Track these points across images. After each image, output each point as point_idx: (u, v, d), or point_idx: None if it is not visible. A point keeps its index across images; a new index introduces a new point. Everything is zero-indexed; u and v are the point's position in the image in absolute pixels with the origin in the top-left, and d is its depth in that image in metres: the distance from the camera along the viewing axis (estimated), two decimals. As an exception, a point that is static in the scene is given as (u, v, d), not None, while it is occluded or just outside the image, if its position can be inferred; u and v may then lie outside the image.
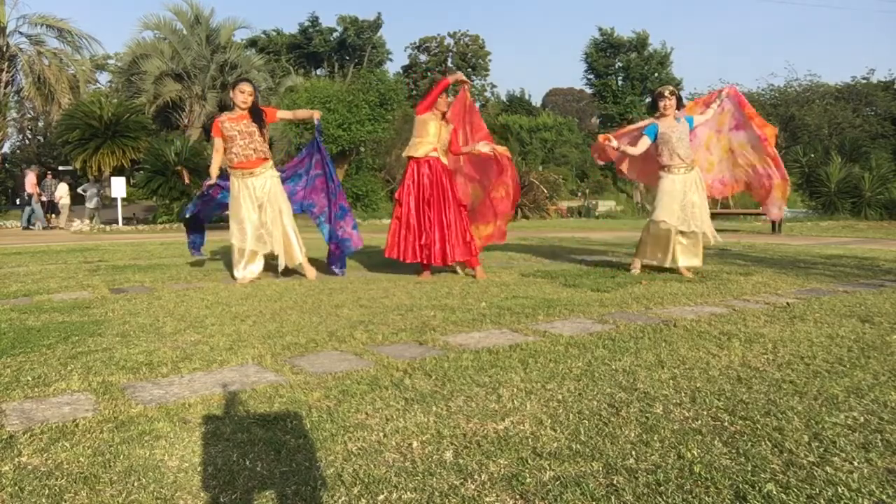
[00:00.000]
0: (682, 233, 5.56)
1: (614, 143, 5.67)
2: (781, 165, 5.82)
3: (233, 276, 5.50)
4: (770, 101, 39.47)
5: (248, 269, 5.44)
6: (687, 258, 5.62)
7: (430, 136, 5.57)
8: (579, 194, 26.86)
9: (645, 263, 5.83)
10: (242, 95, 5.42)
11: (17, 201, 22.03)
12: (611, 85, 41.77)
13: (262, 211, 5.42)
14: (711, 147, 6.05)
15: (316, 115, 5.80)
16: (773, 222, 12.70)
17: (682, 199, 5.53)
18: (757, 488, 1.61)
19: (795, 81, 39.67)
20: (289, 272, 5.71)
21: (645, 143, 5.64)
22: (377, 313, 3.93)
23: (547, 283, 5.17)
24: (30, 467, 1.77)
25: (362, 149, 22.62)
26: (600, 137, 5.81)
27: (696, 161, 5.70)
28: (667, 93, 5.65)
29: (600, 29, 41.92)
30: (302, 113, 6.11)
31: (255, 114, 5.46)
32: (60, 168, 27.82)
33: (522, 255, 7.58)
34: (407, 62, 51.23)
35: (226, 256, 7.64)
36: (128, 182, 21.08)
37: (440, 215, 5.51)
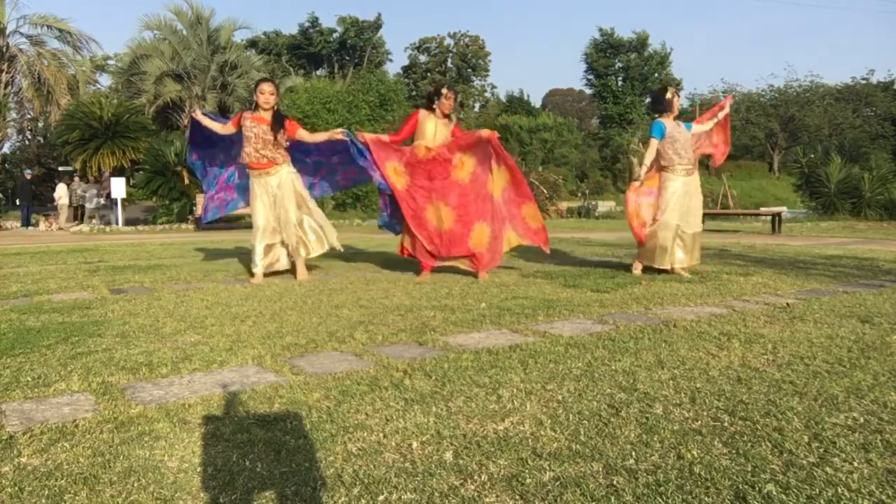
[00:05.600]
0: (679, 235, 5.59)
1: (639, 179, 5.73)
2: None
3: (250, 274, 5.64)
4: (770, 101, 39.50)
5: (266, 263, 5.59)
6: (683, 259, 5.63)
7: (426, 138, 5.63)
8: (579, 195, 26.85)
9: (647, 265, 5.80)
10: (263, 96, 5.48)
11: (17, 202, 21.99)
12: (611, 85, 41.80)
13: (276, 205, 5.55)
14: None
15: (337, 133, 5.69)
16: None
17: (685, 202, 5.56)
18: (757, 489, 1.61)
19: (795, 82, 39.78)
20: (286, 272, 5.72)
21: (654, 145, 5.64)
22: (377, 314, 3.93)
23: (547, 284, 5.17)
24: (30, 468, 1.77)
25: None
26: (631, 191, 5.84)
27: (695, 166, 5.73)
28: (676, 90, 5.77)
29: (600, 29, 42.00)
30: (321, 136, 5.82)
31: (278, 122, 5.51)
32: (60, 168, 27.82)
33: (523, 256, 7.58)
34: (407, 63, 51.28)
35: (227, 256, 7.64)
36: (128, 182, 21.07)
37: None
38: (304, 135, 5.70)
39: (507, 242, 5.76)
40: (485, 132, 5.56)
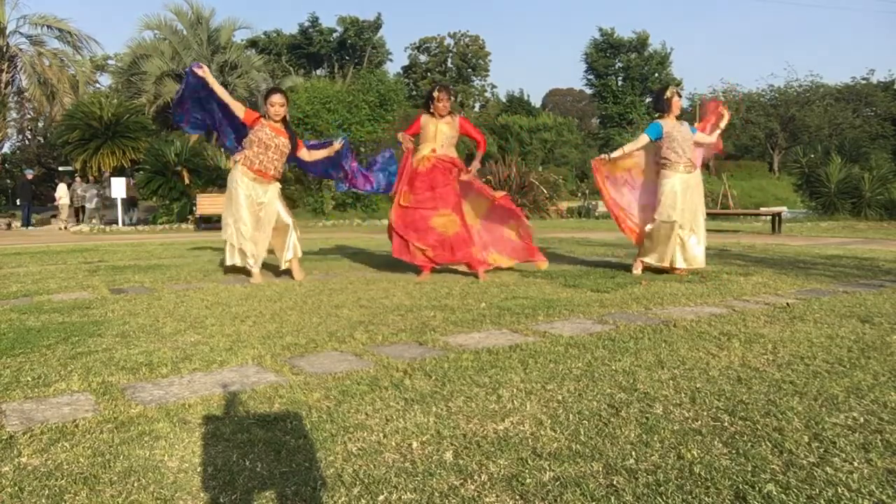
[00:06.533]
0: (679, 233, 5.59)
1: (607, 157, 5.90)
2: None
3: (224, 267, 5.78)
4: (770, 101, 39.50)
5: (240, 260, 5.58)
6: (684, 259, 5.62)
7: (429, 140, 5.69)
8: (579, 195, 26.84)
9: (646, 263, 5.80)
10: (274, 108, 5.44)
11: (17, 201, 21.99)
12: (611, 85, 41.84)
13: (262, 210, 5.51)
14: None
15: (336, 146, 5.81)
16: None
17: (683, 198, 5.56)
18: (757, 489, 1.61)
19: (795, 82, 39.78)
20: (285, 272, 5.72)
21: (643, 140, 5.70)
22: (377, 314, 3.93)
23: (547, 284, 5.17)
24: (30, 468, 1.77)
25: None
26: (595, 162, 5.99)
27: (696, 164, 5.74)
28: (677, 90, 5.80)
29: (600, 29, 42.07)
30: (320, 153, 5.89)
31: (292, 136, 5.58)
32: (61, 168, 27.83)
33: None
34: (407, 62, 51.30)
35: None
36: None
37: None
38: (304, 154, 5.80)
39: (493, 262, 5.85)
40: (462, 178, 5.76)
